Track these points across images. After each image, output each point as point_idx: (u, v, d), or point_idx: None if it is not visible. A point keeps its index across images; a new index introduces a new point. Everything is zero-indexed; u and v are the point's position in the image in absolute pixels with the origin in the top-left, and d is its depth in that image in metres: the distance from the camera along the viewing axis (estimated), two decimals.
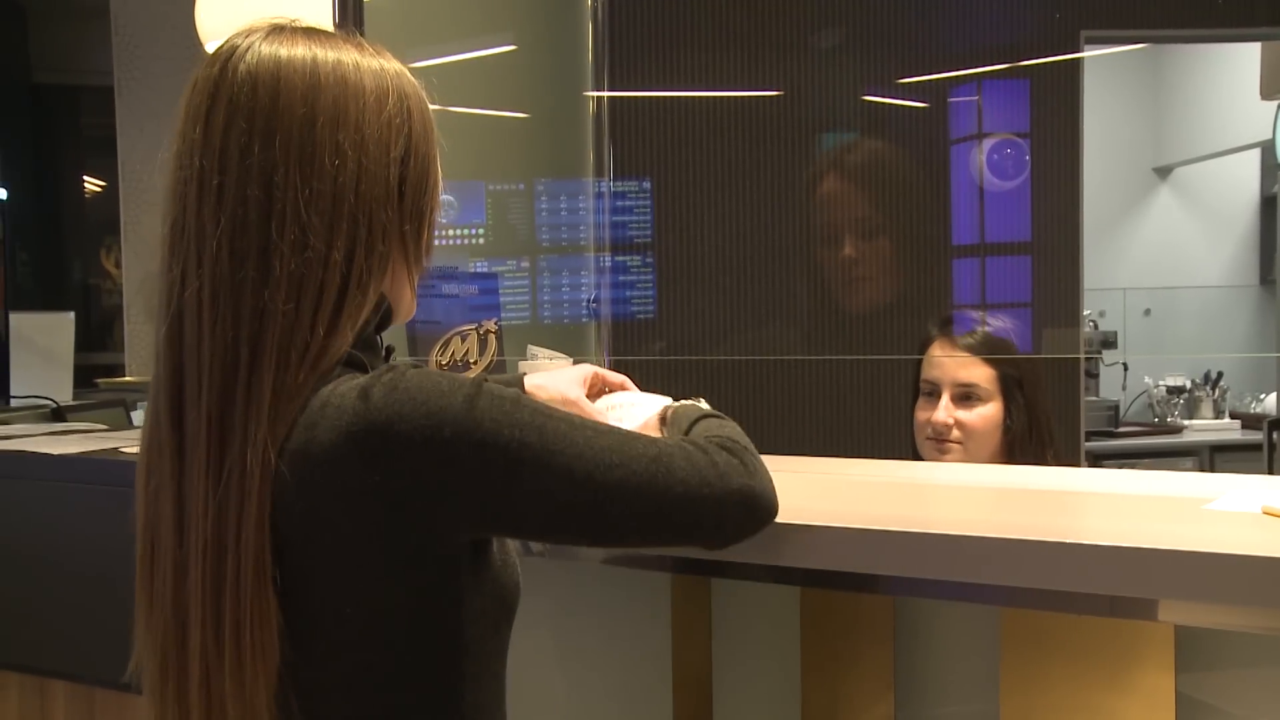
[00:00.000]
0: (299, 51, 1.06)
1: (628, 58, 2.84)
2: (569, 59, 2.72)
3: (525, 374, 1.49)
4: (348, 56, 1.08)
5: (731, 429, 1.18)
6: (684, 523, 1.05)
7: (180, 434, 1.03)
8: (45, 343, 2.85)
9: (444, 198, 1.19)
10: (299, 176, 1.02)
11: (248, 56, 1.05)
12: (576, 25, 2.72)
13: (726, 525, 1.07)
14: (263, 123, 1.03)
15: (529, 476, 0.99)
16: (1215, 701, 1.27)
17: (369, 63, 1.09)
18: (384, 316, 1.11)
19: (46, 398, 2.62)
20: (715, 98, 2.99)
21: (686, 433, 1.18)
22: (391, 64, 1.11)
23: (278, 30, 1.08)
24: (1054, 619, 1.28)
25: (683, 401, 1.32)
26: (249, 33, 1.08)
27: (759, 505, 1.08)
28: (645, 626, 1.58)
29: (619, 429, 1.06)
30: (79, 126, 5.13)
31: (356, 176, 1.05)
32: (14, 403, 2.69)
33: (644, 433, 1.17)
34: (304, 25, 1.10)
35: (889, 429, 2.64)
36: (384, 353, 1.14)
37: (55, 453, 1.92)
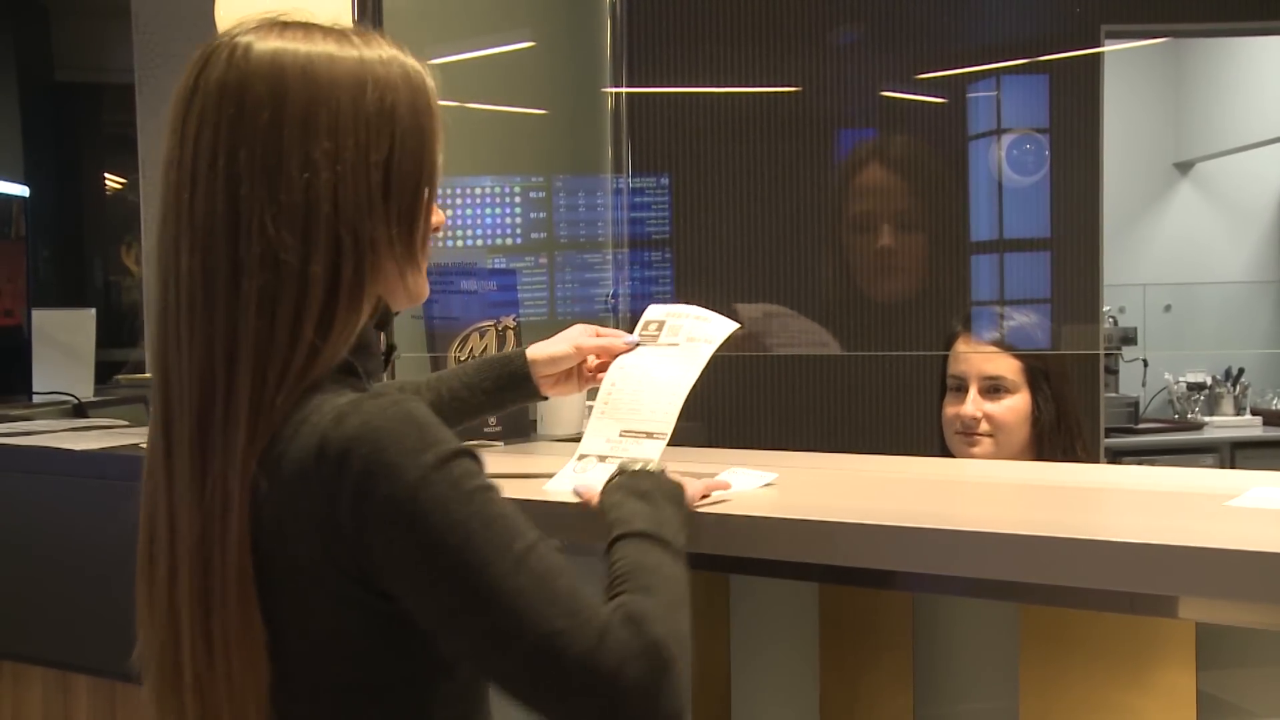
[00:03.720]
0: (269, 54, 1.02)
1: (646, 54, 2.83)
2: (587, 55, 2.72)
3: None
4: (323, 52, 1.03)
5: (668, 576, 1.05)
6: (561, 711, 0.97)
7: (169, 442, 1.03)
8: (67, 339, 2.87)
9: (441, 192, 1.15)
10: (265, 190, 0.99)
11: (219, 61, 1.02)
12: (595, 21, 2.72)
13: None
14: (228, 133, 1.01)
15: (436, 578, 0.95)
16: (1237, 700, 1.26)
17: (348, 56, 1.03)
18: (384, 313, 1.11)
19: (68, 394, 2.63)
20: (733, 94, 2.98)
21: (611, 551, 1.08)
22: (379, 51, 1.05)
23: (256, 29, 1.04)
24: (1074, 616, 1.27)
25: (628, 475, 1.20)
26: (230, 33, 1.05)
27: None
28: None
29: (552, 570, 0.96)
30: (100, 124, 5.16)
31: (333, 186, 1.01)
32: (36, 398, 2.70)
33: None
34: (289, 20, 1.05)
35: (911, 424, 2.63)
36: (386, 352, 1.14)
37: (78, 448, 1.94)
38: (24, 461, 2.01)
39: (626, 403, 1.44)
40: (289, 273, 0.99)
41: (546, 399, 1.55)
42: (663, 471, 1.22)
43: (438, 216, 1.14)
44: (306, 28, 1.05)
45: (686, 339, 1.46)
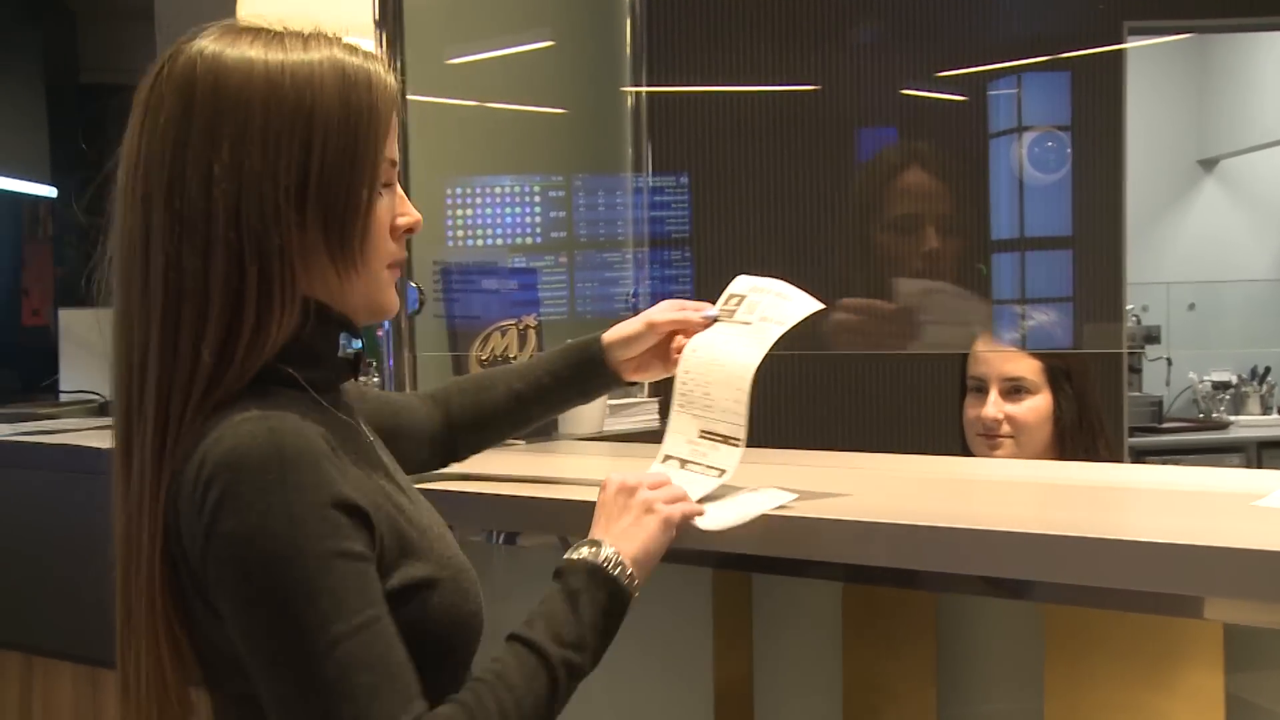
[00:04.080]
0: (189, 65, 1.02)
1: (666, 53, 2.83)
2: (607, 55, 2.72)
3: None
4: (243, 59, 1.01)
5: (520, 703, 0.99)
6: None
7: (116, 441, 1.06)
8: (93, 338, 2.89)
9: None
10: (167, 205, 1.00)
11: (154, 72, 1.04)
12: (614, 21, 2.72)
13: None
14: (145, 147, 1.02)
15: (248, 630, 0.95)
16: (1269, 704, 1.24)
17: (271, 61, 1.02)
18: (338, 321, 1.07)
19: (94, 392, 2.65)
20: (753, 92, 2.97)
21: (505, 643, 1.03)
22: (315, 54, 1.03)
23: (204, 37, 1.04)
24: (1099, 616, 1.26)
25: (574, 564, 1.09)
26: (181, 40, 1.05)
27: None
28: (686, 621, 1.57)
29: (363, 663, 0.93)
30: (123, 125, 5.20)
31: (235, 198, 1.00)
32: (63, 397, 2.72)
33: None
34: (241, 25, 1.05)
35: (932, 424, 2.61)
36: (354, 362, 1.10)
37: (104, 447, 1.94)
38: (51, 459, 2.03)
39: (699, 394, 1.32)
40: (190, 288, 1.00)
41: (634, 385, 1.45)
42: (617, 560, 1.09)
43: (407, 218, 1.10)
44: (246, 33, 1.04)
45: (760, 318, 1.33)
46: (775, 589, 1.50)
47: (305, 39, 1.05)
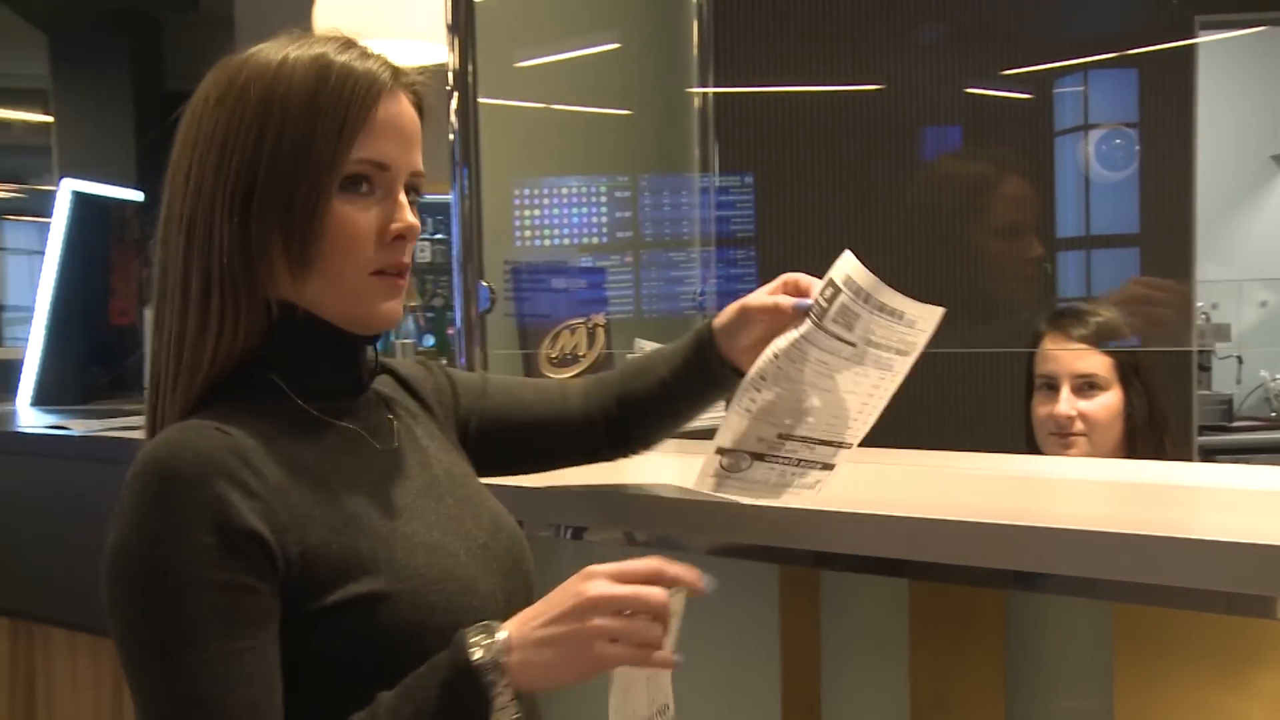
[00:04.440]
0: (208, 76, 1.04)
1: (731, 54, 2.81)
2: (671, 56, 2.71)
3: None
4: (238, 62, 1.02)
5: None
6: None
7: None
8: None
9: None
10: (164, 207, 1.03)
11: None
12: (679, 23, 2.71)
13: None
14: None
15: (115, 638, 0.94)
16: None
17: (256, 62, 1.01)
18: (318, 327, 1.03)
19: None
20: (817, 92, 2.95)
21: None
22: (305, 50, 1.01)
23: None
24: (1170, 615, 1.23)
25: (424, 679, 0.94)
26: None
27: None
28: (754, 617, 1.56)
29: (201, 699, 0.89)
30: None
31: (194, 205, 1.01)
32: (147, 393, 2.77)
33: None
34: (285, 34, 1.05)
35: (997, 422, 2.58)
36: (368, 368, 1.07)
37: None
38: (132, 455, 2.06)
39: (784, 410, 1.16)
40: (169, 287, 1.02)
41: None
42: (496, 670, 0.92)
43: (399, 224, 1.03)
44: (279, 39, 1.04)
45: (867, 341, 1.14)
46: (843, 585, 1.48)
47: (324, 41, 1.03)
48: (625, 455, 1.36)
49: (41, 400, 2.79)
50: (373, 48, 1.06)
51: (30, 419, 2.50)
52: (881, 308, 1.14)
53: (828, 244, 3.01)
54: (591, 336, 2.06)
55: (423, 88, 1.08)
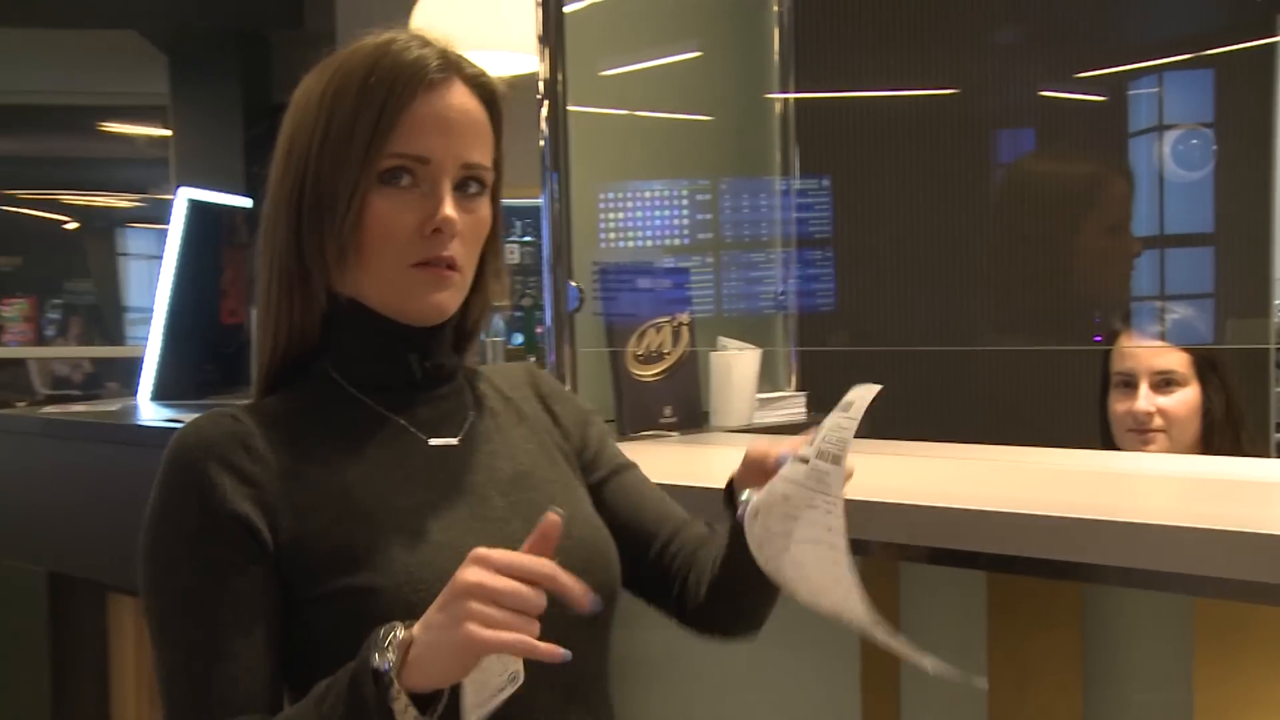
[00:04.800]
0: None
1: (811, 61, 2.78)
2: (750, 64, 2.69)
3: None
4: (317, 67, 1.02)
5: None
6: None
7: None
8: None
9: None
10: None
11: None
12: (760, 32, 2.69)
13: None
14: None
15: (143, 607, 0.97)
16: None
17: (327, 61, 1.01)
18: (372, 319, 1.01)
19: None
20: (893, 97, 2.91)
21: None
22: (371, 40, 1.00)
23: None
24: (1253, 610, 1.18)
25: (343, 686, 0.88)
26: None
27: None
28: None
29: (179, 663, 0.92)
30: None
31: (268, 202, 1.02)
32: None
33: None
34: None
35: (1069, 418, 2.52)
36: (408, 359, 1.02)
37: None
38: None
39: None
40: (259, 280, 1.03)
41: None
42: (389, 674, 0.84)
43: (439, 216, 0.97)
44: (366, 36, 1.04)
45: (818, 452, 0.92)
46: (922, 577, 1.45)
47: (394, 33, 1.01)
48: (703, 629, 1.16)
49: (160, 395, 2.85)
50: (436, 38, 1.02)
51: (150, 413, 2.56)
52: (841, 404, 0.93)
53: (901, 243, 2.97)
54: (676, 334, 2.05)
55: (487, 79, 1.03)
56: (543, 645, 0.83)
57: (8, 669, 2.60)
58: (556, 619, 0.86)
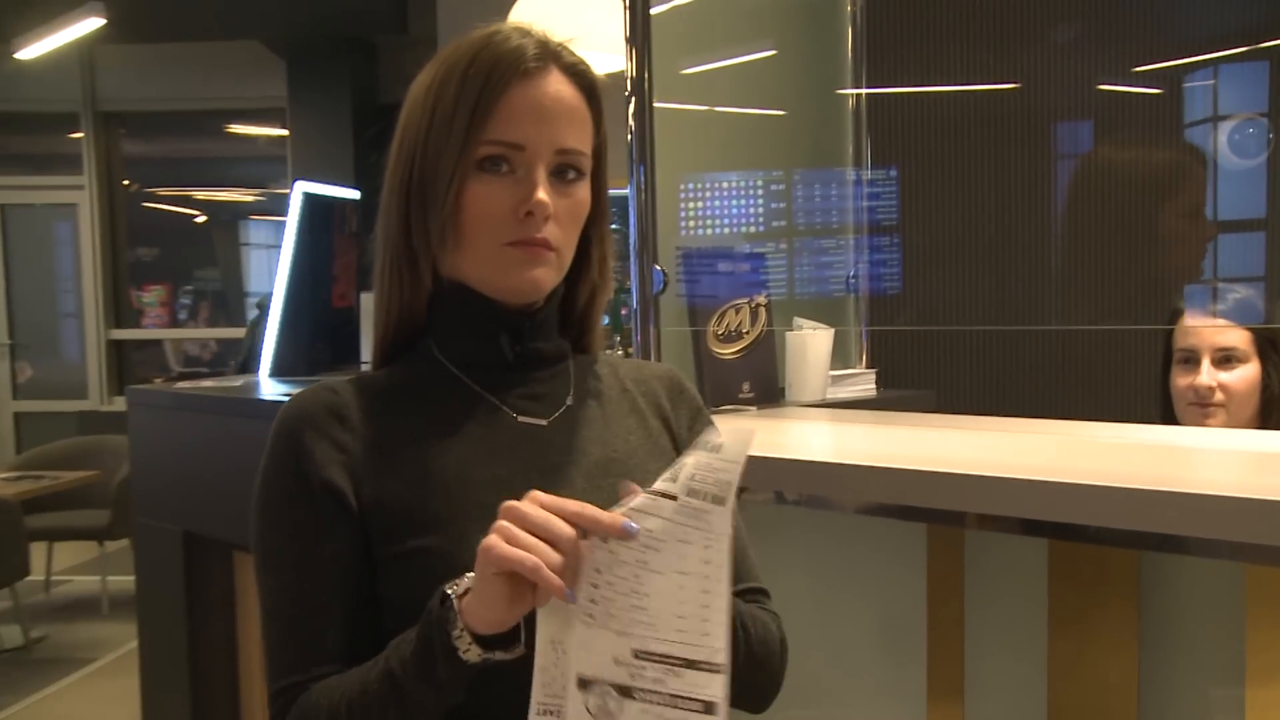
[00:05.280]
0: None
1: (881, 58, 2.76)
2: (823, 61, 2.67)
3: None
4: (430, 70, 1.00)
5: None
6: None
7: None
8: None
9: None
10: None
11: None
12: (832, 30, 2.67)
13: None
14: None
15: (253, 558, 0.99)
16: None
17: (437, 55, 0.99)
18: (473, 298, 0.99)
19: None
20: (958, 92, 2.87)
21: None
22: (474, 34, 0.98)
23: None
24: None
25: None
26: None
27: None
28: (901, 575, 1.52)
29: (276, 613, 0.95)
30: None
31: (384, 189, 1.01)
32: (364, 368, 2.87)
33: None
34: None
35: (1130, 395, 2.47)
36: (521, 341, 0.99)
37: None
38: None
39: (621, 603, 0.84)
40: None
41: None
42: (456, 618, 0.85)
43: (531, 200, 0.94)
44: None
45: (689, 490, 0.83)
46: (987, 545, 1.44)
47: (499, 27, 0.99)
48: None
49: (278, 372, 2.91)
50: (537, 30, 1.00)
51: (269, 388, 2.63)
52: (704, 444, 0.84)
53: (965, 232, 2.91)
54: (754, 315, 2.04)
55: (585, 68, 1.00)
56: (553, 576, 0.80)
57: (152, 613, 2.70)
58: None
